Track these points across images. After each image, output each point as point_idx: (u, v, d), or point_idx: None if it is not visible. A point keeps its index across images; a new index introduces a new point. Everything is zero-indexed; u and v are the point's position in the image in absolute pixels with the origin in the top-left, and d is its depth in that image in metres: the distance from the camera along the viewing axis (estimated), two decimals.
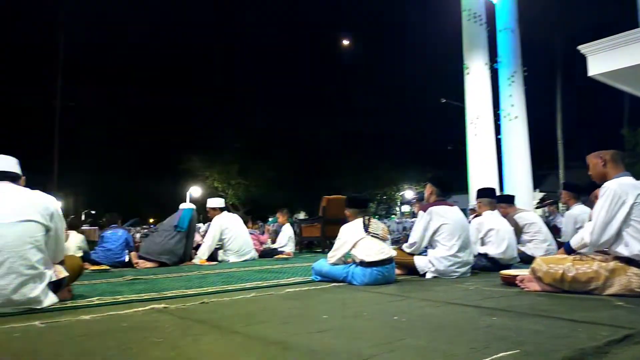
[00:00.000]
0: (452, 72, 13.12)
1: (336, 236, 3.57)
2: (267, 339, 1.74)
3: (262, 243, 7.79)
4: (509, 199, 5.35)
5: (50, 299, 2.54)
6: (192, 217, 6.17)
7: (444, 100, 22.32)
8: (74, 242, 5.63)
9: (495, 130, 11.51)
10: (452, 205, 3.84)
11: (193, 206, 6.46)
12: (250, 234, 7.08)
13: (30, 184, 2.82)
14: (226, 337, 1.82)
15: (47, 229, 2.56)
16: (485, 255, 4.16)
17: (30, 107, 26.53)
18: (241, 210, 25.37)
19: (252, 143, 29.94)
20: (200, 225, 6.85)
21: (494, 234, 4.20)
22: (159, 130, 32.99)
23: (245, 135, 30.15)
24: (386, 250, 3.37)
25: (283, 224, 7.97)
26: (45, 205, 2.60)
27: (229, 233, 6.31)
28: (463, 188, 11.74)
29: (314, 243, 9.22)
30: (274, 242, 8.00)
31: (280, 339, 1.73)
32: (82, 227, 10.41)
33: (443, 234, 3.67)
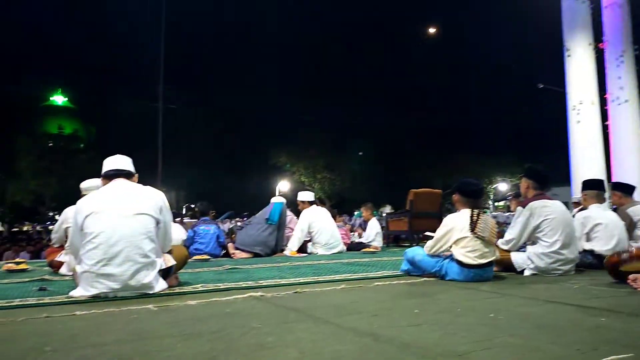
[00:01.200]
0: (551, 55, 12.21)
1: (424, 230, 3.47)
2: (358, 330, 1.78)
3: (349, 237, 7.87)
4: (628, 189, 4.78)
5: (161, 285, 2.79)
6: (282, 211, 6.41)
7: (542, 86, 20.79)
8: (178, 234, 6.10)
9: (601, 116, 10.52)
10: (552, 199, 3.58)
11: (283, 200, 6.70)
12: (338, 227, 7.18)
13: (139, 181, 3.11)
14: (319, 326, 1.88)
15: (158, 222, 2.82)
16: (591, 252, 3.83)
17: (138, 110, 29.19)
18: (327, 204, 25.78)
19: (337, 137, 30.25)
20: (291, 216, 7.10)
21: (601, 229, 3.86)
22: (249, 128, 34.54)
23: (330, 129, 30.55)
24: (489, 255, 3.15)
25: (368, 219, 8.00)
26: (155, 200, 2.86)
27: (317, 226, 6.45)
28: (564, 180, 10.90)
29: (402, 237, 9.11)
30: (360, 235, 8.04)
31: (371, 331, 1.76)
32: (184, 220, 11.25)
33: (544, 230, 3.42)
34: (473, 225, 3.13)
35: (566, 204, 4.52)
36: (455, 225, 3.22)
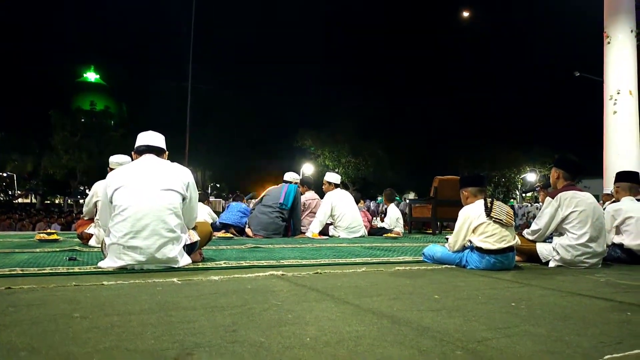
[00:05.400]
0: (589, 42, 11.76)
1: (447, 218, 3.43)
2: (378, 312, 1.78)
3: (370, 221, 7.86)
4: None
5: (185, 259, 2.86)
6: (297, 193, 6.36)
7: (578, 74, 20.08)
8: (204, 212, 6.21)
9: (639, 106, 10.11)
10: (582, 191, 3.48)
11: (297, 177, 6.64)
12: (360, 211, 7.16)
13: (168, 158, 3.17)
14: (339, 306, 1.89)
15: (184, 198, 2.88)
16: (620, 246, 3.73)
17: (169, 89, 29.67)
18: (350, 189, 25.78)
19: (363, 122, 30.07)
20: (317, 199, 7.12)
21: (633, 222, 3.75)
22: (276, 110, 34.63)
23: (357, 113, 30.36)
24: (508, 238, 3.13)
25: (387, 205, 7.98)
26: (182, 176, 2.91)
27: (339, 210, 6.44)
28: (597, 172, 10.58)
29: (424, 224, 9.04)
30: (382, 220, 8.03)
31: (390, 313, 1.76)
32: (209, 199, 11.50)
33: (573, 221, 3.34)
34: (488, 211, 3.13)
35: (597, 197, 4.34)
36: (471, 213, 3.22)
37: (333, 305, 1.91)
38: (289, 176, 6.67)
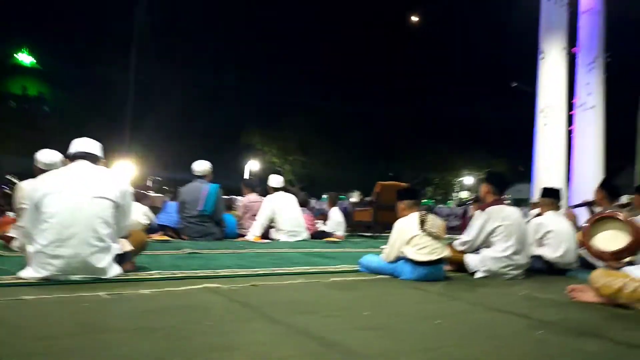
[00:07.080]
0: (526, 56, 12.40)
1: (388, 222, 3.54)
2: (307, 333, 1.81)
3: (313, 224, 7.92)
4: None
5: (115, 270, 2.75)
6: (218, 196, 5.99)
7: (515, 85, 21.21)
8: (139, 213, 5.95)
9: (567, 120, 10.82)
10: (509, 205, 3.71)
11: (207, 168, 6.17)
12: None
13: (106, 150, 3.02)
14: (269, 327, 1.91)
15: (117, 206, 2.77)
16: (540, 258, 4.00)
17: (111, 80, 28.28)
18: (296, 186, 25.83)
19: (313, 120, 30.19)
20: (237, 197, 6.90)
21: (552, 236, 4.02)
22: (222, 105, 34.00)
23: (307, 112, 30.45)
24: (439, 251, 3.28)
25: (330, 208, 8.08)
26: (117, 183, 2.81)
27: (280, 213, 6.42)
28: (529, 176, 11.20)
29: (365, 227, 9.22)
30: (324, 223, 8.11)
31: (320, 334, 1.79)
32: (148, 194, 10.98)
33: (499, 235, 3.56)
34: (422, 224, 3.27)
35: (525, 201, 4.61)
36: (405, 225, 3.35)
37: (265, 326, 1.92)
38: (199, 168, 6.09)
